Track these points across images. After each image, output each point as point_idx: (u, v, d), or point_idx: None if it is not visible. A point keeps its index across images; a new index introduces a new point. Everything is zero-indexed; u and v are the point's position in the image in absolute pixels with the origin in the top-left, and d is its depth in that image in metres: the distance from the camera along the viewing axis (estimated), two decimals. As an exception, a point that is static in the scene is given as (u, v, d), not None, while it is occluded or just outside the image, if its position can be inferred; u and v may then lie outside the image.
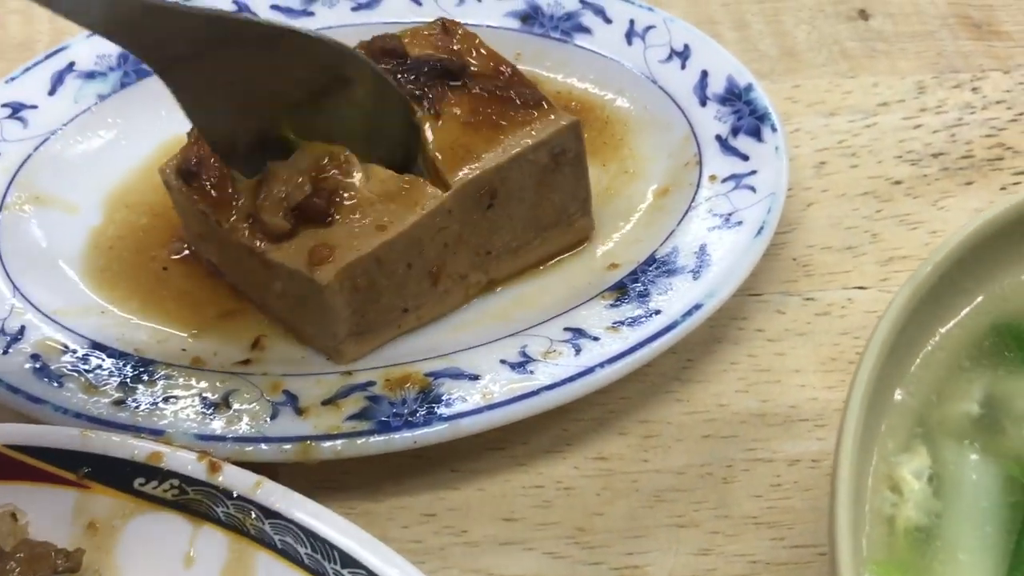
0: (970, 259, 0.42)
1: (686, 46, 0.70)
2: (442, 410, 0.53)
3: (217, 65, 0.51)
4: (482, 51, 0.61)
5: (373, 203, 0.55)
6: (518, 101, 0.58)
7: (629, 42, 0.71)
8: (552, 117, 0.58)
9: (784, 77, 0.76)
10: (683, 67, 0.69)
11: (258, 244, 0.55)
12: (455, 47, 0.61)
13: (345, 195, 0.55)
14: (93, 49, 0.69)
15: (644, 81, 0.69)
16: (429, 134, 0.57)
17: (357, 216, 0.54)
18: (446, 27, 0.62)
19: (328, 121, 0.56)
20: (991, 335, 0.43)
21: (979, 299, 0.44)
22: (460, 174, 0.56)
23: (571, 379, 0.54)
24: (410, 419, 0.53)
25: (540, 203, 0.59)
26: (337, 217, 0.54)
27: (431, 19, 0.71)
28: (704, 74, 0.68)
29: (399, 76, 0.59)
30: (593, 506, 0.55)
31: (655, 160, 0.67)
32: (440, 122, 0.58)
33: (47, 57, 0.68)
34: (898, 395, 0.42)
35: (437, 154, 0.57)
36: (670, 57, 0.70)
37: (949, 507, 0.40)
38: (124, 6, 0.41)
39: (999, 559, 0.38)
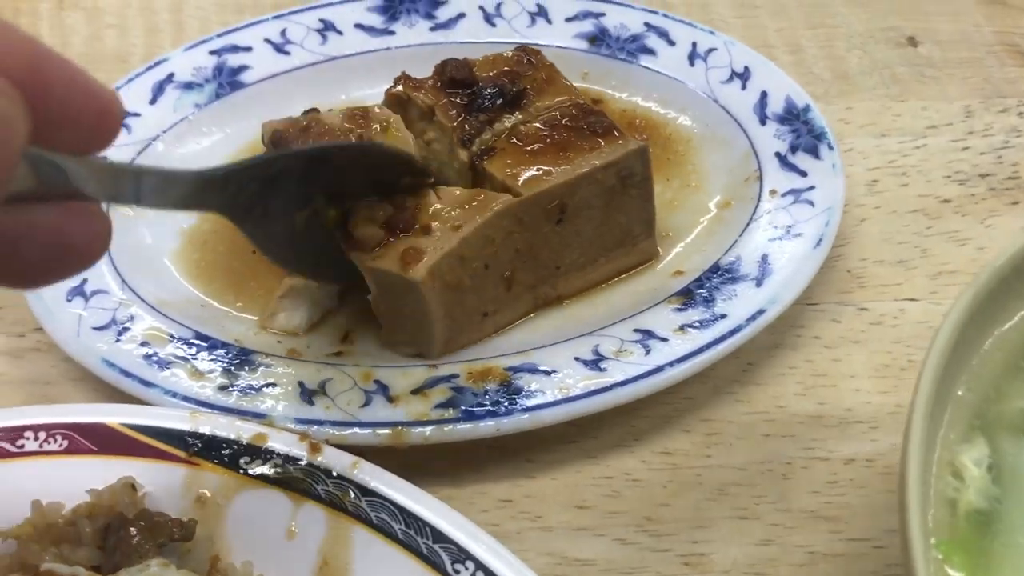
0: (1027, 267, 0.46)
1: (746, 68, 0.74)
2: (522, 401, 0.57)
3: (277, 198, 0.53)
4: (558, 81, 0.66)
5: (450, 211, 0.59)
6: (587, 129, 0.62)
7: (692, 63, 0.75)
8: (620, 142, 0.62)
9: (837, 99, 0.79)
10: (743, 88, 0.73)
11: (355, 254, 0.59)
12: (529, 74, 0.65)
13: (424, 209, 0.59)
14: (190, 62, 0.74)
15: (706, 100, 0.73)
16: (492, 163, 0.61)
17: (436, 224, 0.59)
18: (527, 53, 0.66)
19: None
20: (1046, 338, 0.47)
21: (1035, 304, 0.47)
22: (529, 185, 0.60)
23: (642, 376, 0.58)
24: (493, 409, 0.56)
25: (607, 222, 0.63)
26: (419, 227, 0.58)
27: (505, 39, 0.76)
28: (764, 95, 0.72)
29: (463, 109, 0.63)
30: (659, 497, 0.59)
31: (716, 175, 0.71)
32: (504, 149, 0.62)
33: (148, 69, 0.73)
34: (959, 391, 0.45)
35: (506, 171, 0.61)
36: (731, 78, 0.74)
37: (1008, 493, 0.43)
38: (202, 179, 0.44)
39: (1056, 542, 0.41)
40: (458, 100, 0.64)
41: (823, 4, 0.87)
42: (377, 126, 0.63)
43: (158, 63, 0.73)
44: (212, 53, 0.74)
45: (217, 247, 0.67)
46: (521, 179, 0.60)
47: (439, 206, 0.59)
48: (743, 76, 0.73)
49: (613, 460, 0.60)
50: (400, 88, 0.65)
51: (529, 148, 0.62)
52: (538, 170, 0.61)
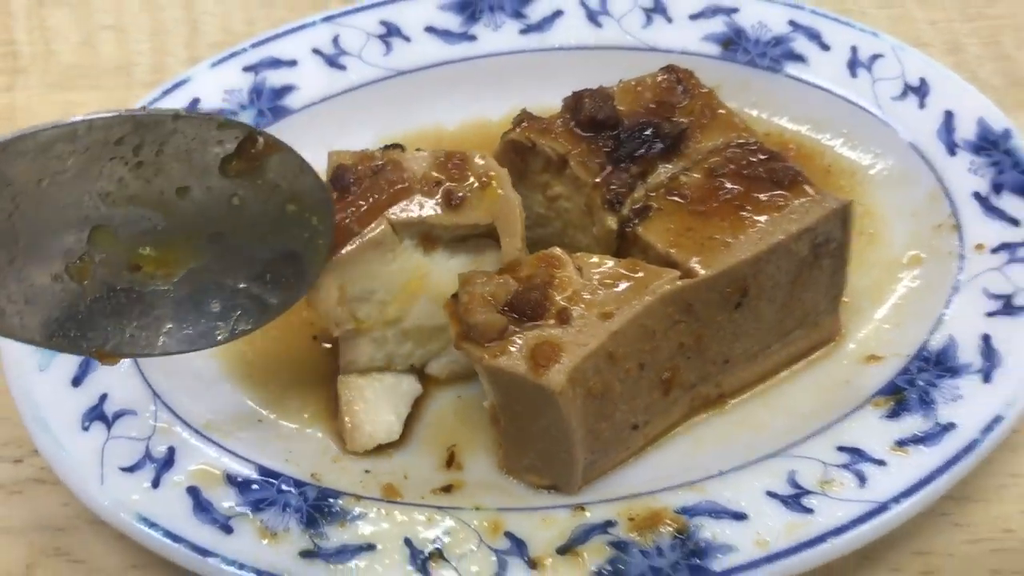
0: None
1: (923, 80, 0.59)
2: (710, 563, 0.42)
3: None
4: (720, 112, 0.51)
5: (595, 291, 0.45)
6: (768, 179, 0.48)
7: (853, 73, 0.60)
8: (816, 198, 0.48)
9: (1015, 112, 0.64)
10: (921, 106, 0.58)
11: (467, 346, 0.44)
12: (684, 105, 0.50)
13: (558, 288, 0.45)
14: (219, 82, 0.58)
15: (874, 122, 0.58)
16: (649, 227, 0.47)
17: (579, 308, 0.44)
18: (677, 76, 0.51)
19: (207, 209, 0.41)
20: None
21: None
22: (708, 262, 0.46)
23: (862, 519, 0.44)
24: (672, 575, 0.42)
25: (790, 302, 0.49)
26: (554, 311, 0.44)
27: (616, 43, 0.61)
28: (949, 116, 0.57)
29: (607, 158, 0.49)
30: (870, 664, 0.45)
31: (897, 220, 0.56)
32: (664, 210, 0.48)
33: (165, 93, 0.57)
34: None
35: (669, 240, 0.47)
36: (905, 93, 0.59)
37: None
38: None
39: None
40: (599, 146, 0.48)
41: (979, -11, 0.72)
42: (474, 181, 0.48)
43: (177, 85, 0.57)
44: (247, 70, 0.58)
45: (269, 331, 0.52)
46: (692, 252, 0.46)
47: (581, 282, 0.45)
48: (920, 91, 0.58)
49: (808, 615, 0.46)
50: (521, 132, 0.49)
51: (697, 208, 0.47)
52: (713, 240, 0.46)
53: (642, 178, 0.48)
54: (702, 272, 0.45)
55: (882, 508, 0.44)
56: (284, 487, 0.45)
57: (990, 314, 0.51)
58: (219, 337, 0.43)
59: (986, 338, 0.50)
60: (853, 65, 0.60)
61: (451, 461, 0.48)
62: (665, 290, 0.45)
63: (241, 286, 0.42)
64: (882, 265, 0.55)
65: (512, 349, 0.43)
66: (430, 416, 0.50)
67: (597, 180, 0.48)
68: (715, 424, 0.50)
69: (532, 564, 0.43)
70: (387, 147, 0.49)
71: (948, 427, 0.47)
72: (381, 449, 0.48)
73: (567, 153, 0.49)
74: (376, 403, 0.49)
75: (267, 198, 0.41)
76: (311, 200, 0.42)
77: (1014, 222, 0.54)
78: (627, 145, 0.48)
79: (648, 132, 0.48)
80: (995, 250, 0.53)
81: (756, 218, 0.47)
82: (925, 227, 0.56)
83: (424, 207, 0.47)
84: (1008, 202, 0.54)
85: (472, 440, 0.49)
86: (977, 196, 0.55)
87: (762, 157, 0.49)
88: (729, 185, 0.48)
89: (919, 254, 0.55)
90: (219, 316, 0.43)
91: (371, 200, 0.47)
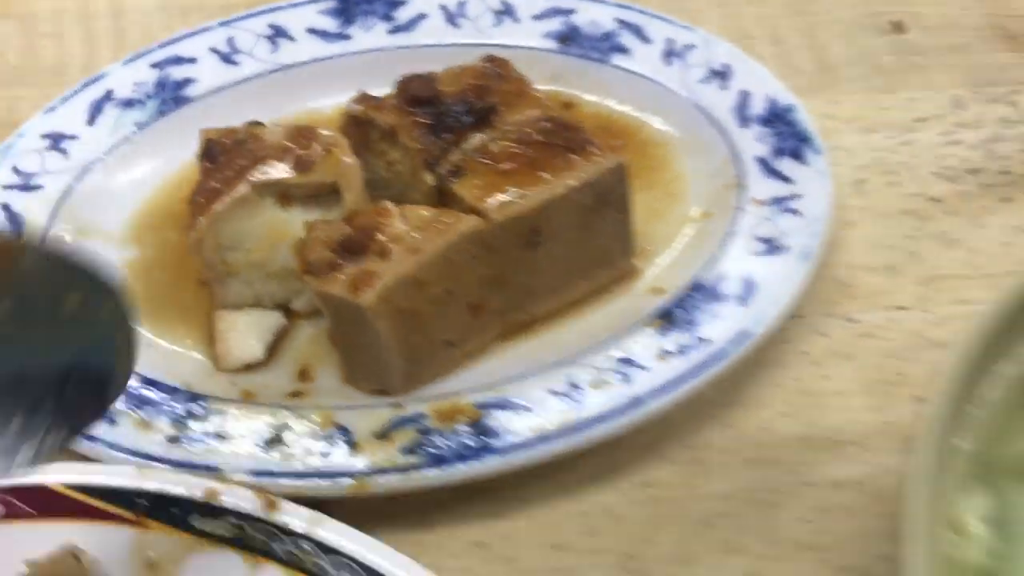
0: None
1: (726, 66, 0.70)
2: (494, 443, 0.53)
3: None
4: (528, 93, 0.62)
5: (410, 234, 0.56)
6: (561, 145, 0.58)
7: (668, 62, 0.70)
8: (597, 158, 0.58)
9: (821, 93, 0.75)
10: (723, 88, 0.69)
11: (307, 277, 0.55)
12: (497, 87, 0.61)
13: (383, 232, 0.55)
14: (130, 76, 0.69)
15: (683, 102, 0.69)
16: (461, 184, 0.58)
17: (396, 247, 0.55)
18: (494, 64, 0.62)
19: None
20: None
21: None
22: (501, 209, 0.56)
23: (620, 410, 0.54)
24: (463, 453, 0.53)
25: (583, 244, 0.59)
26: (377, 250, 0.55)
27: (470, 40, 0.72)
28: (744, 95, 0.68)
29: (428, 129, 0.59)
30: (641, 533, 0.55)
31: (696, 182, 0.67)
32: (474, 170, 0.58)
33: (85, 86, 0.68)
34: (957, 437, 0.42)
35: (475, 193, 0.57)
36: (709, 77, 0.69)
37: (1014, 548, 0.40)
38: None
39: (1068, 602, 0.38)
40: (423, 119, 0.59)
41: (804, -11, 0.83)
42: (319, 147, 0.59)
43: (95, 79, 0.69)
44: (154, 66, 0.70)
45: (162, 277, 0.63)
46: (491, 201, 0.56)
47: (402, 228, 0.56)
48: (723, 75, 0.69)
49: (591, 494, 0.57)
50: (359, 109, 0.60)
51: (500, 167, 0.58)
52: (509, 192, 0.57)
53: (456, 145, 0.59)
54: (496, 217, 0.56)
55: (639, 401, 0.55)
56: (160, 392, 0.56)
57: (756, 254, 0.61)
58: (26, 458, 0.36)
59: (749, 272, 0.60)
60: (668, 55, 0.71)
61: (304, 375, 0.59)
62: (464, 230, 0.56)
63: (40, 398, 0.36)
64: (678, 218, 0.66)
65: (340, 278, 0.54)
66: (292, 343, 0.61)
67: (419, 147, 0.59)
68: (525, 344, 0.60)
69: (353, 446, 0.54)
70: (249, 123, 0.60)
71: (703, 340, 0.57)
72: (248, 368, 0.60)
73: (396, 125, 0.60)
74: (245, 332, 0.60)
75: (35, 300, 0.35)
76: (95, 287, 0.36)
77: (787, 180, 0.64)
78: (445, 119, 0.59)
79: (461, 108, 0.60)
80: (768, 203, 0.64)
81: (547, 175, 0.58)
82: (717, 186, 0.66)
83: (279, 170, 0.58)
84: (785, 164, 0.65)
85: (324, 360, 0.60)
86: (760, 160, 0.66)
87: (558, 128, 0.60)
88: (529, 151, 0.59)
89: (709, 210, 0.66)
90: (23, 435, 0.36)
91: (236, 167, 0.58)
